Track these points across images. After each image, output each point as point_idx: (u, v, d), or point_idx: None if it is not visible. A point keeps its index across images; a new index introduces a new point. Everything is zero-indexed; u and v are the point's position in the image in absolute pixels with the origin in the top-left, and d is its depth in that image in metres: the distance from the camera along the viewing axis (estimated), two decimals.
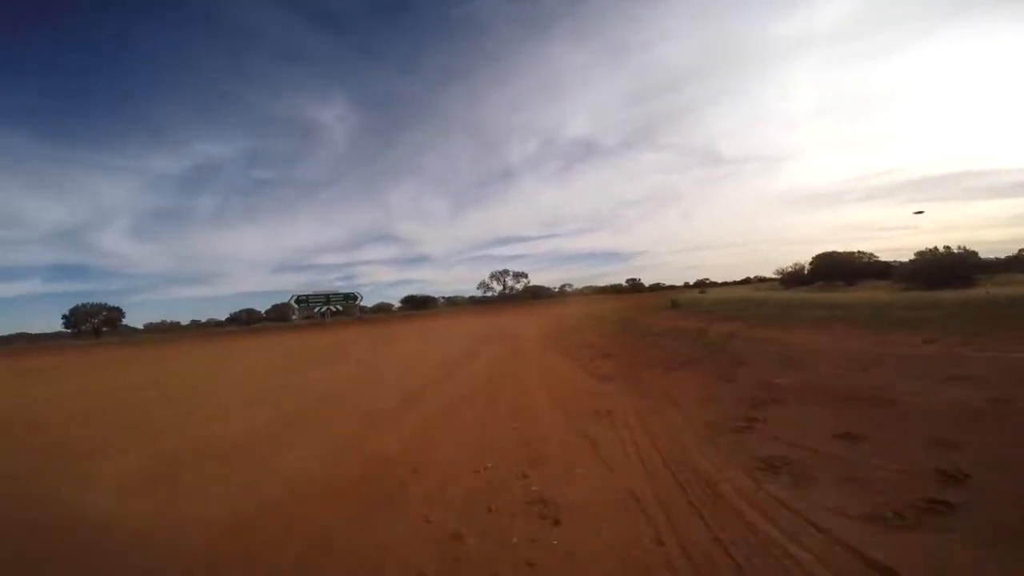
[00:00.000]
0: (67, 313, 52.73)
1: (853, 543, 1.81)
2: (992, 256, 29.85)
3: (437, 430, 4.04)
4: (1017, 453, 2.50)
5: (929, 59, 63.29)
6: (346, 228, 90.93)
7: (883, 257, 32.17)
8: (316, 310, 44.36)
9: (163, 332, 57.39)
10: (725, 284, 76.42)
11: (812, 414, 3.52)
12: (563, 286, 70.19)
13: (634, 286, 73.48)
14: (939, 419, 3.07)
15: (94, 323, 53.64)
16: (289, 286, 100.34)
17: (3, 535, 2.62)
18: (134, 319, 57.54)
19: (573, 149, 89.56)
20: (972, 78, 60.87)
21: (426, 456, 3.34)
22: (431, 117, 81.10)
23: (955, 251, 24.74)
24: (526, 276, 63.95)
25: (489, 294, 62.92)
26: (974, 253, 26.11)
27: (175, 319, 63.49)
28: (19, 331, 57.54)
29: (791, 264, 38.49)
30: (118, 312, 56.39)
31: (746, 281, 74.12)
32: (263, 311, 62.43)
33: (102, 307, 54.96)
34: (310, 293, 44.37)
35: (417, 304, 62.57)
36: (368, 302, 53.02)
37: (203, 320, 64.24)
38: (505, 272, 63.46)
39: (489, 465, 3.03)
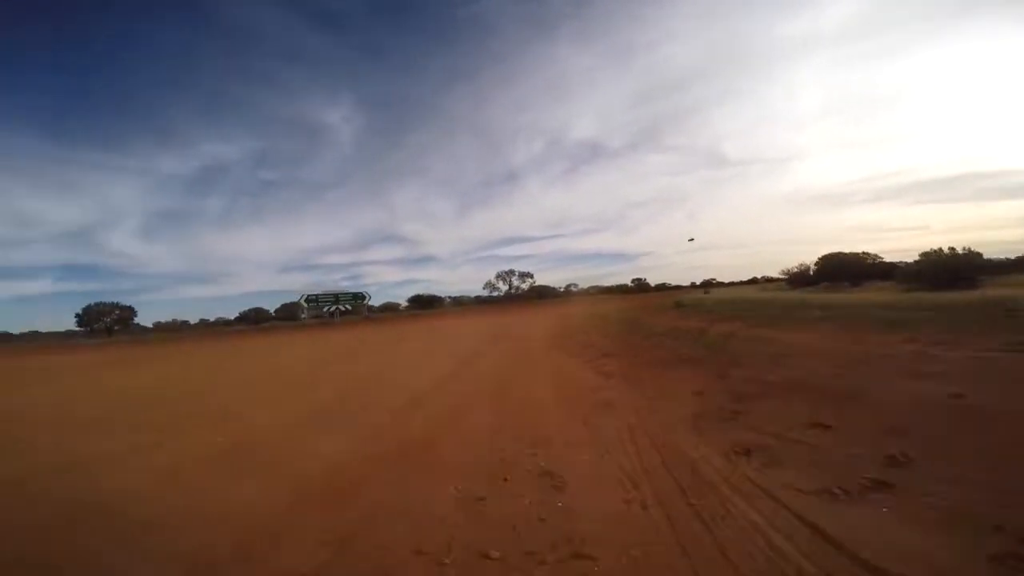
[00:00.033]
0: (80, 312, 53.74)
1: (800, 511, 2.22)
2: (1003, 257, 29.81)
3: (455, 419, 4.48)
4: (959, 441, 2.89)
5: (936, 59, 62.79)
6: (352, 228, 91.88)
7: (890, 258, 32.19)
8: (325, 309, 45.11)
9: (173, 331, 58.30)
10: (732, 284, 76.33)
11: (790, 407, 3.92)
12: (568, 286, 70.50)
13: (640, 286, 73.65)
14: (899, 411, 3.46)
15: (107, 322, 54.63)
16: (295, 286, 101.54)
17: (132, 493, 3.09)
18: (143, 318, 58.61)
19: (579, 150, 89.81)
20: (980, 78, 60.36)
21: (448, 440, 3.79)
22: (436, 118, 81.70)
23: (959, 252, 24.85)
24: (532, 276, 64.37)
25: (495, 294, 63.42)
26: (979, 254, 26.17)
27: (183, 318, 64.54)
28: (31, 330, 58.71)
29: (797, 265, 38.59)
30: (130, 311, 57.41)
31: (753, 281, 73.94)
32: (272, 310, 63.24)
33: (115, 306, 55.96)
34: (320, 293, 45.17)
35: (424, 304, 63.17)
36: (374, 302, 53.61)
37: (211, 319, 65.23)
38: (511, 272, 63.92)
39: (503, 447, 3.47)
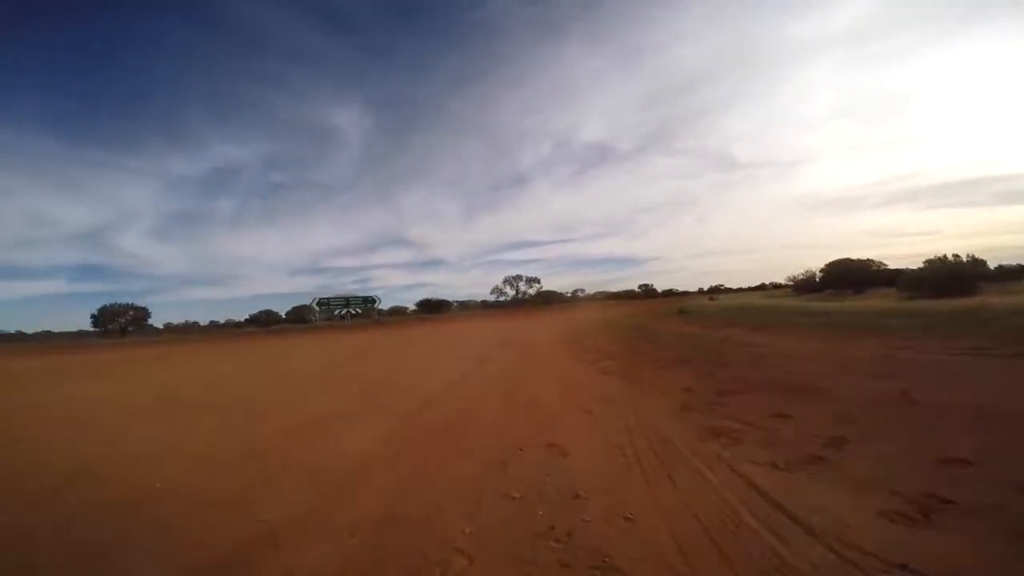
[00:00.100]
0: (95, 312, 55.10)
1: (746, 475, 2.84)
2: (1014, 263, 29.82)
3: (473, 410, 5.13)
4: (891, 427, 3.49)
5: (949, 61, 62.82)
6: (360, 231, 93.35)
7: (900, 264, 32.33)
8: (336, 312, 46.17)
9: (184, 332, 59.52)
10: (740, 290, 76.29)
11: (762, 400, 4.53)
12: (575, 291, 71.13)
13: (647, 292, 73.96)
14: (851, 404, 4.06)
15: (121, 323, 55.97)
16: (304, 289, 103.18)
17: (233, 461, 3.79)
18: (154, 319, 59.91)
19: (587, 153, 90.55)
20: (993, 80, 60.20)
21: (469, 425, 4.45)
22: (444, 120, 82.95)
23: (963, 259, 25.10)
24: (539, 281, 65.07)
25: (502, 299, 64.12)
26: (983, 262, 26.39)
27: (193, 319, 65.84)
28: (44, 330, 60.04)
29: (802, 271, 38.81)
30: (144, 312, 58.79)
31: (761, 287, 73.92)
32: (281, 313, 64.33)
33: (129, 307, 57.37)
34: (331, 296, 46.31)
35: (432, 308, 64.01)
36: (383, 305, 54.66)
37: (221, 321, 66.45)
38: (518, 277, 64.65)
39: (516, 430, 4.12)
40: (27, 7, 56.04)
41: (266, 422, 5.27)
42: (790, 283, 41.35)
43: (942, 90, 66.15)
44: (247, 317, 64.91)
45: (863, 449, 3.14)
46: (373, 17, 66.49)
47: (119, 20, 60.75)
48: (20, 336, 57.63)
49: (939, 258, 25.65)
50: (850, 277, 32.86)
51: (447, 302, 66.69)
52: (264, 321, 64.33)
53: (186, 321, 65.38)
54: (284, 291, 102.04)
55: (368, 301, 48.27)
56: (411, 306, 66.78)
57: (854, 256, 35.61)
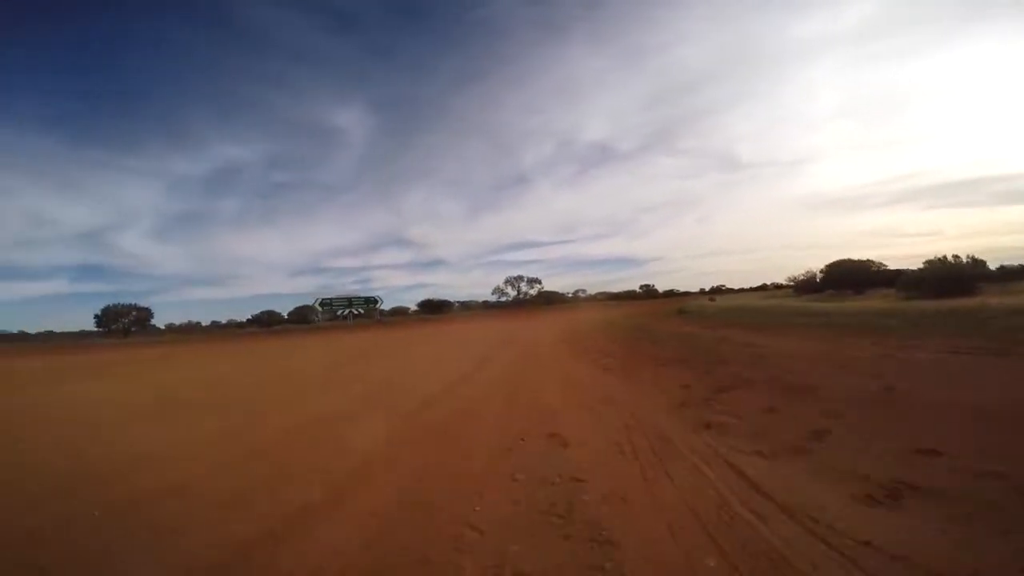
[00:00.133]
0: (99, 313, 55.29)
1: (731, 462, 3.06)
2: (1016, 264, 29.89)
3: (478, 405, 5.35)
4: (872, 421, 3.70)
5: (952, 61, 62.69)
6: (362, 231, 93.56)
7: (902, 264, 32.39)
8: (339, 313, 46.53)
9: (186, 332, 59.73)
10: (741, 291, 76.28)
11: (754, 397, 4.74)
12: (576, 292, 71.28)
13: (648, 292, 74.08)
14: (837, 400, 4.28)
15: (124, 323, 56.24)
16: (305, 289, 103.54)
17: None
18: (156, 319, 60.06)
19: (589, 153, 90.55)
20: (996, 80, 60.19)
21: (475, 420, 4.68)
22: (446, 120, 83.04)
23: (963, 260, 25.25)
24: (540, 282, 65.24)
25: (503, 299, 64.32)
26: (983, 262, 26.52)
27: (194, 319, 66.08)
28: (46, 330, 60.11)
29: (803, 272, 38.93)
30: (147, 312, 59.05)
31: (763, 287, 73.90)
32: (283, 313, 64.57)
33: (132, 307, 57.64)
34: (334, 297, 46.68)
35: (433, 308, 64.24)
36: (384, 306, 54.93)
37: (223, 321, 66.65)
38: (519, 278, 64.84)
39: (519, 424, 4.34)
40: (27, 7, 56.42)
41: (291, 413, 5.51)
42: (791, 283, 41.48)
43: (944, 90, 66.12)
44: (249, 317, 65.09)
45: (844, 441, 3.36)
46: (375, 17, 66.66)
47: (120, 20, 60.97)
48: (23, 336, 57.79)
49: (939, 259, 25.81)
50: (851, 277, 32.97)
51: (448, 302, 66.94)
52: (266, 321, 64.51)
53: (188, 321, 65.66)
54: (285, 291, 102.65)
55: (370, 301, 48.60)
56: (413, 306, 66.99)
57: (855, 256, 35.74)
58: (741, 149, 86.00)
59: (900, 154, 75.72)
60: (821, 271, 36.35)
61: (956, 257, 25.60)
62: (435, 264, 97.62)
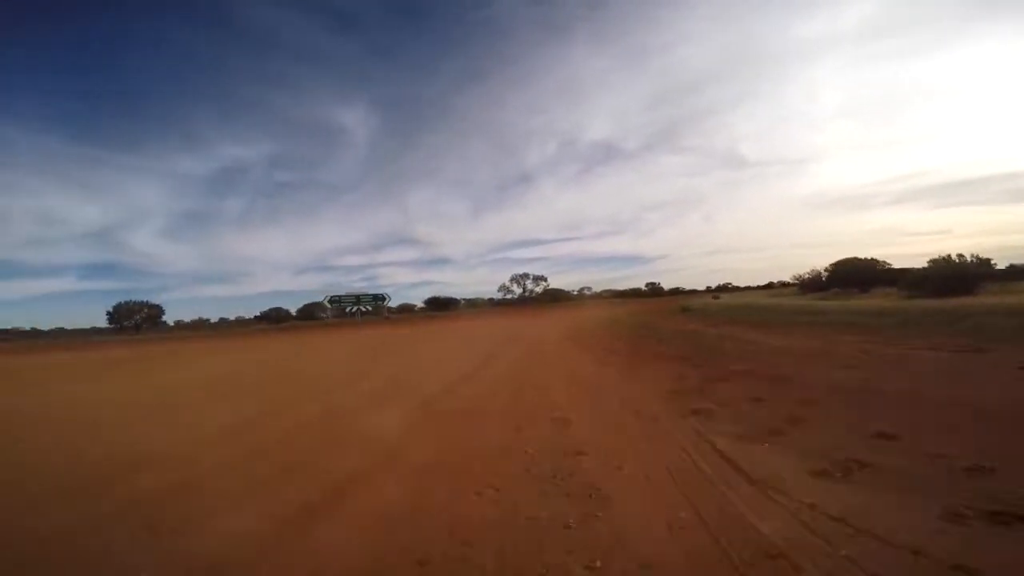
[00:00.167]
0: (111, 309, 56.29)
1: (713, 442, 3.49)
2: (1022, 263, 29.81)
3: (488, 394, 5.83)
4: (844, 409, 4.12)
5: (956, 59, 62.09)
6: (367, 230, 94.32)
7: (912, 263, 32.37)
8: (348, 310, 47.28)
9: (195, 329, 60.64)
10: (748, 289, 76.16)
11: (742, 387, 5.16)
12: (582, 289, 71.62)
13: (654, 290, 74.23)
14: (816, 391, 4.69)
15: (136, 320, 57.26)
16: (311, 287, 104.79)
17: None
18: (165, 316, 60.96)
19: (593, 152, 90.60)
20: (1003, 78, 59.53)
21: (486, 406, 5.17)
22: (450, 119, 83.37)
23: (967, 259, 25.35)
24: (545, 279, 65.65)
25: (509, 297, 64.83)
26: (988, 261, 26.55)
27: (201, 316, 67.08)
28: (57, 326, 61.07)
29: (808, 270, 38.99)
30: (158, 309, 60.05)
31: (768, 286, 73.72)
32: (292, 310, 65.41)
33: (144, 304, 58.62)
34: (343, 294, 47.42)
35: (440, 306, 64.88)
36: (391, 303, 55.63)
37: (231, 318, 67.60)
38: (525, 276, 65.29)
39: (528, 409, 4.82)
40: (34, 7, 57.40)
41: (331, 396, 6.02)
42: (797, 282, 41.55)
43: (949, 88, 65.42)
44: (258, 314, 66.00)
45: (814, 425, 3.78)
46: (377, 16, 67.02)
47: (126, 21, 61.92)
48: (35, 333, 58.87)
49: (942, 258, 25.91)
50: (856, 276, 33.06)
51: (455, 300, 67.53)
52: (275, 318, 65.39)
53: (199, 318, 66.77)
54: (291, 289, 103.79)
55: (378, 299, 49.27)
56: (419, 304, 67.66)
57: (863, 255, 35.76)
58: (745, 148, 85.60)
59: (906, 153, 75.24)
60: (826, 270, 36.41)
61: (960, 256, 25.68)
62: (441, 262, 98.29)
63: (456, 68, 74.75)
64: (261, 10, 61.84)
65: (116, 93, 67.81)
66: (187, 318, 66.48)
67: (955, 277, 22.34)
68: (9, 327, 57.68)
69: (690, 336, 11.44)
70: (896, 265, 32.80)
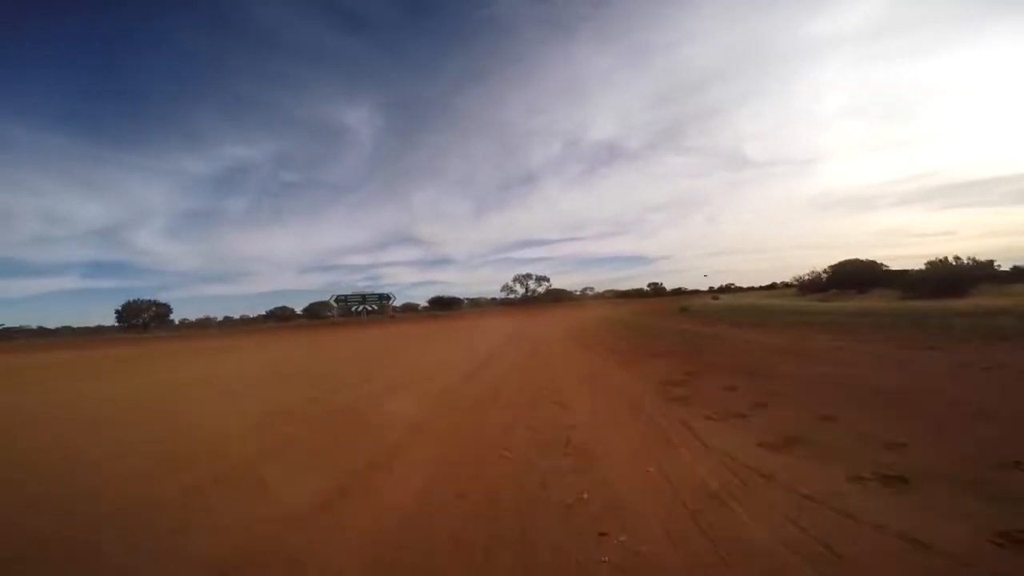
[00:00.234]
0: (120, 308, 57.19)
1: (687, 422, 4.14)
2: None
3: (496, 384, 6.49)
4: (805, 396, 4.76)
5: (963, 60, 62.24)
6: (370, 230, 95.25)
7: (915, 265, 32.70)
8: (353, 309, 48.23)
9: (201, 327, 61.55)
10: (750, 289, 76.46)
11: (722, 379, 5.80)
12: (584, 289, 72.35)
13: (656, 290, 74.78)
14: (786, 382, 5.33)
15: (144, 318, 58.20)
16: (316, 286, 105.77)
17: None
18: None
19: (597, 152, 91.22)
20: (1007, 79, 59.58)
21: (495, 394, 5.85)
22: (453, 119, 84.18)
23: (965, 261, 25.81)
24: (548, 280, 66.41)
25: (511, 296, 65.60)
26: (988, 263, 26.98)
27: (206, 315, 67.95)
28: (65, 325, 61.89)
29: (808, 272, 39.43)
30: (166, 308, 60.96)
31: (772, 287, 73.97)
32: (298, 309, 66.31)
33: (152, 303, 59.57)
34: (349, 293, 48.41)
35: (444, 305, 65.74)
36: (395, 302, 56.46)
37: (236, 317, 68.47)
38: (528, 276, 66.08)
39: (531, 397, 5.49)
40: (38, 6, 58.13)
41: (355, 388, 6.72)
42: (796, 283, 41.98)
43: (956, 88, 65.65)
44: (264, 312, 66.98)
45: (774, 410, 4.42)
46: (381, 16, 67.82)
47: (130, 19, 62.67)
48: (42, 331, 59.66)
49: (940, 260, 26.39)
50: (856, 277, 33.47)
51: (458, 299, 68.40)
52: (281, 316, 66.37)
53: (205, 317, 67.77)
54: (295, 288, 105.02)
55: (383, 298, 50.21)
56: (423, 303, 68.48)
57: (867, 256, 36.16)
58: (750, 148, 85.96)
59: (911, 154, 75.44)
60: (825, 271, 36.85)
61: (957, 258, 26.13)
62: (444, 262, 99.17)
63: (459, 67, 75.47)
64: (265, 10, 62.72)
65: (120, 91, 68.82)
66: (191, 317, 67.43)
67: (951, 279, 22.82)
68: (16, 325, 58.65)
69: (685, 335, 12.07)
70: (900, 267, 33.22)
